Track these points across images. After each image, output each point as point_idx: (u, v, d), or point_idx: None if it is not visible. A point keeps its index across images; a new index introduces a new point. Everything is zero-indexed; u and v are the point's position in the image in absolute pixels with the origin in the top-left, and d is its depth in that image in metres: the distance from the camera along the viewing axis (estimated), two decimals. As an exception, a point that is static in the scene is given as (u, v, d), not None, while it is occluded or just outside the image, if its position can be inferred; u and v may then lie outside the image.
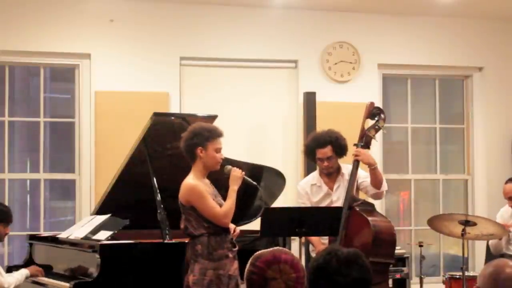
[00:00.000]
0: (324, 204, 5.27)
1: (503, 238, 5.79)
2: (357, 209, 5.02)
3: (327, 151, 5.19)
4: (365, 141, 5.20)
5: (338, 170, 5.31)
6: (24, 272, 5.06)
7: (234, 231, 4.51)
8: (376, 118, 5.24)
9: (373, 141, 5.26)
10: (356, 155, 5.10)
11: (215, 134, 4.38)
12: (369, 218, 4.94)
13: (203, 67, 7.12)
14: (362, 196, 5.40)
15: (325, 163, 5.22)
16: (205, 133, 4.35)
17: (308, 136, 5.64)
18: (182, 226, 4.38)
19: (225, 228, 4.37)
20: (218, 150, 4.39)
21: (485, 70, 7.72)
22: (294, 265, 2.56)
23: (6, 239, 6.14)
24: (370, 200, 5.36)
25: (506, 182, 5.95)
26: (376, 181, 5.16)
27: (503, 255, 5.78)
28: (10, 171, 6.86)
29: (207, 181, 4.44)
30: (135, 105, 6.66)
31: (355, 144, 5.20)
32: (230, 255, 4.35)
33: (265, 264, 2.54)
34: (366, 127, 5.22)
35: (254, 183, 4.57)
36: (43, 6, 6.74)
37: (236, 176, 4.42)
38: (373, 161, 5.14)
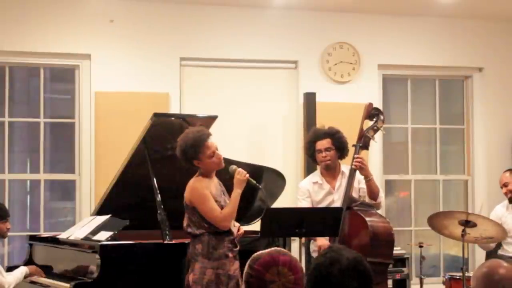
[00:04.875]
0: (326, 202, 5.29)
1: None
2: (356, 209, 5.04)
3: (326, 142, 5.25)
4: (363, 142, 5.21)
5: (338, 168, 5.33)
6: (23, 270, 5.06)
7: (239, 230, 4.52)
8: (374, 119, 5.26)
9: (371, 142, 5.28)
10: (356, 163, 5.09)
11: (202, 142, 4.34)
12: (367, 219, 4.96)
13: (203, 67, 7.12)
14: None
15: (323, 154, 5.25)
16: (191, 148, 4.32)
17: (308, 132, 5.70)
18: (184, 224, 4.41)
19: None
20: (212, 154, 4.36)
21: (485, 71, 7.72)
22: (292, 267, 2.55)
23: (6, 239, 6.15)
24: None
25: (504, 172, 6.01)
26: (372, 193, 5.19)
27: (497, 256, 5.78)
28: (10, 172, 6.86)
29: (215, 180, 4.46)
30: (135, 105, 6.66)
31: (353, 145, 5.21)
32: (230, 255, 4.36)
33: (263, 267, 2.54)
34: (364, 128, 5.23)
35: (258, 185, 4.57)
36: (43, 6, 6.74)
37: (241, 179, 4.41)
38: (369, 173, 5.18)
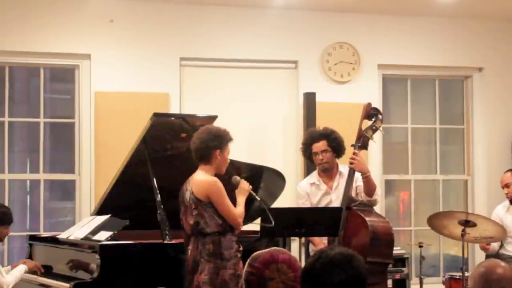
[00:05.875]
0: (323, 203, 5.30)
1: None
2: (355, 209, 5.04)
3: (322, 145, 5.26)
4: (362, 141, 5.21)
5: (336, 168, 5.34)
6: (22, 268, 5.04)
7: None
8: (373, 119, 5.26)
9: (370, 142, 5.28)
10: (351, 161, 5.11)
11: (231, 138, 4.48)
12: (367, 219, 4.96)
13: (203, 67, 7.12)
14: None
15: (320, 157, 5.26)
16: (226, 136, 4.44)
17: (304, 134, 5.70)
18: (192, 222, 4.34)
19: (233, 229, 4.38)
20: (228, 154, 4.48)
21: (485, 71, 7.72)
22: (292, 265, 2.57)
23: (6, 239, 6.15)
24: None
25: (505, 172, 6.01)
26: (368, 189, 5.18)
27: (498, 256, 5.78)
28: (10, 172, 6.87)
29: None
30: (135, 105, 6.66)
31: (352, 145, 5.22)
32: (239, 255, 4.38)
33: (263, 264, 2.55)
34: (363, 127, 5.23)
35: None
36: (43, 6, 6.74)
37: (245, 188, 4.49)
38: (366, 170, 5.17)
